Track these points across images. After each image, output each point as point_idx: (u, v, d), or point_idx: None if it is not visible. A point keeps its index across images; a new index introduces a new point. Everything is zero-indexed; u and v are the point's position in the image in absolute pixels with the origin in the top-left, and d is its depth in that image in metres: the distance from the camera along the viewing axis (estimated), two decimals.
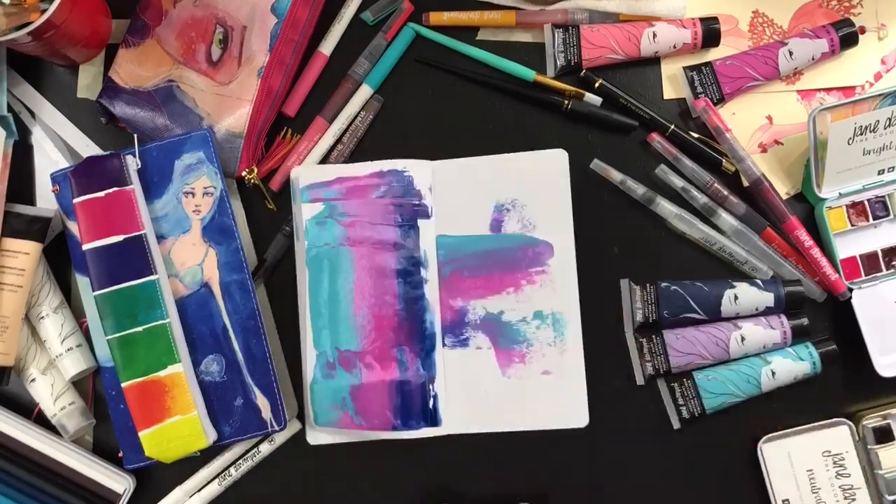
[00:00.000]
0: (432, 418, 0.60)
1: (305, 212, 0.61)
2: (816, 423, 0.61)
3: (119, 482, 0.60)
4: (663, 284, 0.62)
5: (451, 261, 0.63)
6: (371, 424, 0.59)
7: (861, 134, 0.60)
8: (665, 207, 0.63)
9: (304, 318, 0.60)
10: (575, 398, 0.61)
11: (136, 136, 0.61)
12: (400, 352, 0.60)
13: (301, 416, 0.63)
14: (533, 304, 0.62)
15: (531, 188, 0.63)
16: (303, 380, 0.61)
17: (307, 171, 0.62)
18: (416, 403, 0.60)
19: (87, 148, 0.65)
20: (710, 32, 0.63)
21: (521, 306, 0.62)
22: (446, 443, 0.61)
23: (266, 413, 0.59)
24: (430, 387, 0.61)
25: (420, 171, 0.62)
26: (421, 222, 0.62)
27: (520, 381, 0.61)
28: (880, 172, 0.62)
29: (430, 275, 0.62)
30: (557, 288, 0.62)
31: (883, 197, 0.63)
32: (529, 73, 0.64)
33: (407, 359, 0.60)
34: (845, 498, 0.60)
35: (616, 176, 0.63)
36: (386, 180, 0.62)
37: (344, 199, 0.61)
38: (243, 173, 0.62)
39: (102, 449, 0.63)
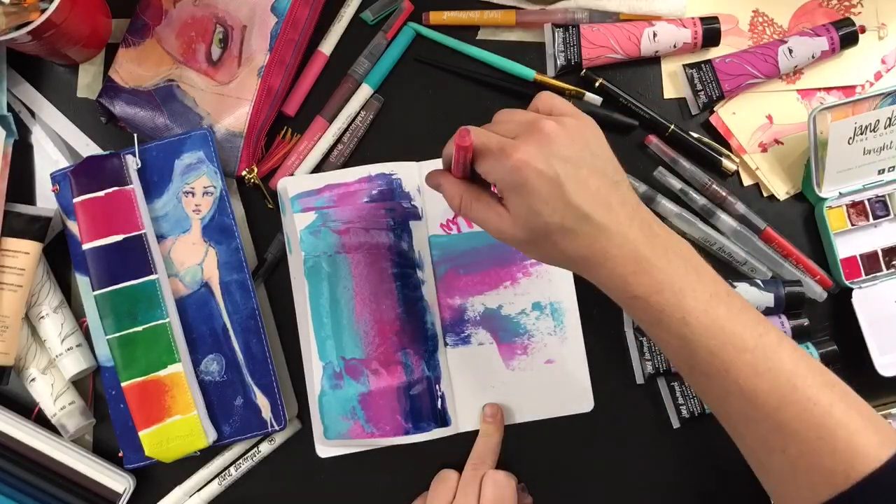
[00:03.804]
0: (442, 419, 0.60)
1: (298, 222, 0.60)
2: None
3: (119, 482, 0.60)
4: None
5: (446, 260, 0.63)
6: (383, 431, 0.59)
7: (861, 133, 0.60)
8: (666, 206, 0.63)
9: (307, 331, 0.60)
10: (579, 384, 0.62)
11: (135, 135, 0.61)
12: (404, 355, 0.60)
13: (301, 417, 0.63)
14: (530, 296, 0.62)
15: None
16: (308, 393, 0.61)
17: (294, 181, 0.62)
18: (425, 405, 0.60)
19: (87, 147, 0.65)
20: (711, 32, 0.63)
21: (518, 299, 0.62)
22: (454, 441, 0.61)
23: (266, 413, 0.59)
24: (437, 387, 0.61)
25: (407, 173, 0.62)
26: (412, 224, 0.62)
27: (524, 372, 0.62)
28: (880, 172, 0.62)
29: (427, 276, 0.62)
30: (553, 278, 0.62)
31: (883, 196, 0.63)
32: (530, 73, 0.64)
33: (412, 361, 0.60)
34: None
35: None
36: (374, 184, 0.61)
37: (335, 207, 0.61)
38: (243, 173, 0.62)
39: (102, 449, 0.62)
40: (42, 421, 0.61)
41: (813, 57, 0.63)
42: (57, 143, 0.65)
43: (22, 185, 0.64)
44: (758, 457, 0.46)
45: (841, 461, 0.42)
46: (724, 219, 0.62)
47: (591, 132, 0.48)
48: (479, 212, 0.49)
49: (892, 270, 0.63)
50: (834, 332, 0.63)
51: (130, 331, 0.57)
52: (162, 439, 0.57)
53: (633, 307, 0.46)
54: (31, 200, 0.64)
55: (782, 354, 0.45)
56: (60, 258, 0.63)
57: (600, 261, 0.46)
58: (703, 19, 0.63)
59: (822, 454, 0.43)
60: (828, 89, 0.65)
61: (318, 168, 0.64)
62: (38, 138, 0.65)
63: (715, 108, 0.64)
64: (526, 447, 0.62)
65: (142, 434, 0.57)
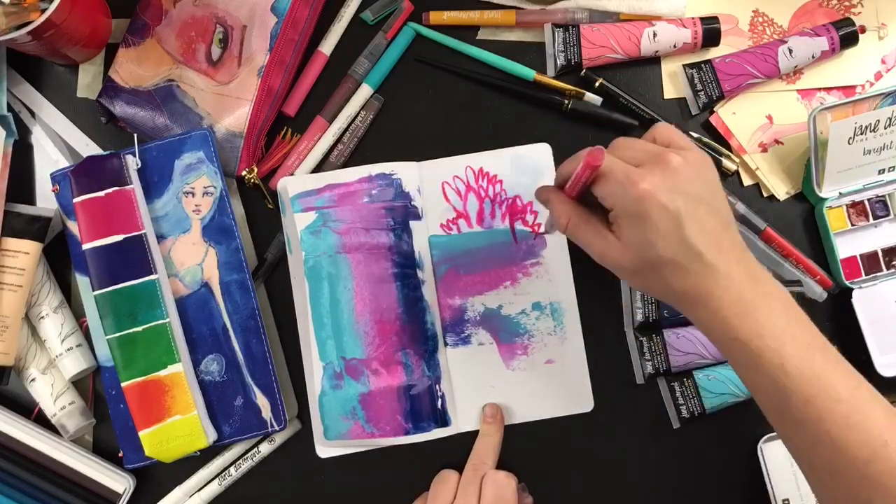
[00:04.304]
0: (442, 419, 0.60)
1: (299, 222, 0.60)
2: None
3: (119, 482, 0.60)
4: None
5: (446, 260, 0.63)
6: (383, 431, 0.59)
7: (861, 133, 0.60)
8: None
9: (308, 331, 0.60)
10: (579, 384, 0.62)
11: (135, 135, 0.61)
12: (405, 355, 0.60)
13: (301, 417, 0.63)
14: (530, 296, 0.62)
15: (518, 182, 0.63)
16: (308, 394, 0.61)
17: (294, 181, 0.61)
18: (425, 405, 0.60)
19: (87, 147, 0.65)
20: (711, 32, 0.63)
21: (518, 299, 0.62)
22: (454, 441, 0.61)
23: (266, 413, 0.59)
24: (437, 387, 0.61)
25: (407, 173, 0.62)
26: (412, 224, 0.62)
27: (524, 372, 0.62)
28: (880, 172, 0.62)
29: (427, 276, 0.62)
30: (553, 278, 0.62)
31: (883, 196, 0.63)
32: (529, 73, 0.64)
33: (412, 362, 0.60)
34: None
35: None
36: (375, 184, 0.61)
37: (336, 207, 0.61)
38: (243, 173, 0.62)
39: (102, 449, 0.62)
40: (42, 421, 0.61)
41: (813, 57, 0.63)
42: (57, 143, 0.65)
43: (22, 185, 0.64)
44: None
45: None
46: None
47: (710, 170, 0.48)
48: (587, 235, 0.49)
49: (892, 270, 0.63)
50: (834, 332, 0.63)
51: (130, 331, 0.57)
52: (162, 439, 0.57)
53: (732, 349, 0.47)
54: (31, 200, 0.64)
55: (875, 409, 0.45)
56: (60, 258, 0.63)
57: (705, 300, 0.46)
58: (703, 19, 0.63)
59: None
60: (828, 89, 0.65)
61: (318, 168, 0.64)
62: (38, 138, 0.65)
63: (715, 108, 0.64)
64: (526, 447, 0.62)
65: (142, 434, 0.57)
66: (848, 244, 0.63)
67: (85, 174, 0.58)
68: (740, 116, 0.64)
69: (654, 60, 0.65)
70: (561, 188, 0.52)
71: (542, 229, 0.63)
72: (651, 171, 0.46)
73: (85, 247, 0.58)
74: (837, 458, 0.44)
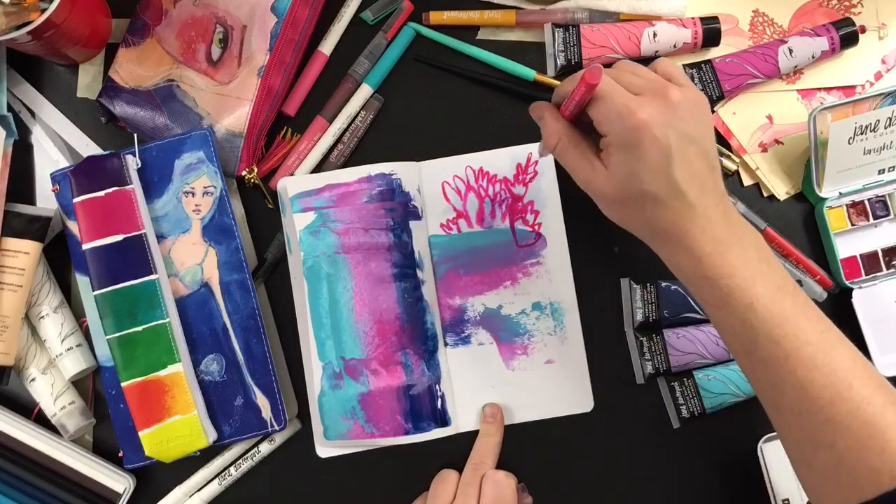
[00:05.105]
0: (442, 419, 0.60)
1: (298, 222, 0.60)
2: None
3: (119, 482, 0.60)
4: (663, 284, 0.62)
5: (446, 260, 0.63)
6: (383, 431, 0.59)
7: (861, 133, 0.60)
8: None
9: (307, 331, 0.60)
10: (579, 384, 0.62)
11: (135, 135, 0.61)
12: (404, 355, 0.60)
13: (301, 417, 0.63)
14: (530, 296, 0.62)
15: (518, 182, 0.63)
16: (308, 394, 0.60)
17: (294, 181, 0.61)
18: (424, 405, 0.60)
19: (87, 147, 0.65)
20: (711, 32, 0.63)
21: (518, 299, 0.62)
22: (454, 441, 0.61)
23: (266, 413, 0.59)
24: (437, 387, 0.61)
25: (407, 173, 0.62)
26: (412, 224, 0.62)
27: (524, 372, 0.62)
28: (880, 172, 0.62)
29: (427, 276, 0.62)
30: (553, 278, 0.62)
31: (883, 196, 0.63)
32: (530, 73, 0.64)
33: (412, 362, 0.60)
34: None
35: None
36: (374, 184, 0.61)
37: (335, 207, 0.60)
38: (243, 173, 0.62)
39: (102, 449, 0.62)
40: (42, 421, 0.61)
41: (813, 57, 0.63)
42: (57, 143, 0.65)
43: (22, 185, 0.64)
44: (803, 451, 0.46)
45: (889, 461, 0.42)
46: None
47: (706, 111, 0.49)
48: (574, 159, 0.50)
49: (892, 270, 0.63)
50: None
51: (130, 331, 0.57)
52: (162, 439, 0.57)
53: (702, 287, 0.47)
54: (31, 200, 0.64)
55: (842, 352, 0.45)
56: (60, 258, 0.63)
57: (680, 237, 0.47)
58: (703, 19, 0.63)
59: (871, 452, 0.43)
60: (828, 89, 0.65)
61: (318, 168, 0.64)
62: (38, 138, 0.65)
63: (715, 108, 0.64)
64: (526, 447, 0.62)
65: (142, 434, 0.57)
66: (848, 244, 0.63)
67: (85, 174, 0.58)
68: (740, 116, 0.64)
69: (655, 60, 0.65)
70: (558, 107, 0.52)
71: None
72: (650, 101, 0.46)
73: (85, 247, 0.58)
74: (802, 398, 0.44)
